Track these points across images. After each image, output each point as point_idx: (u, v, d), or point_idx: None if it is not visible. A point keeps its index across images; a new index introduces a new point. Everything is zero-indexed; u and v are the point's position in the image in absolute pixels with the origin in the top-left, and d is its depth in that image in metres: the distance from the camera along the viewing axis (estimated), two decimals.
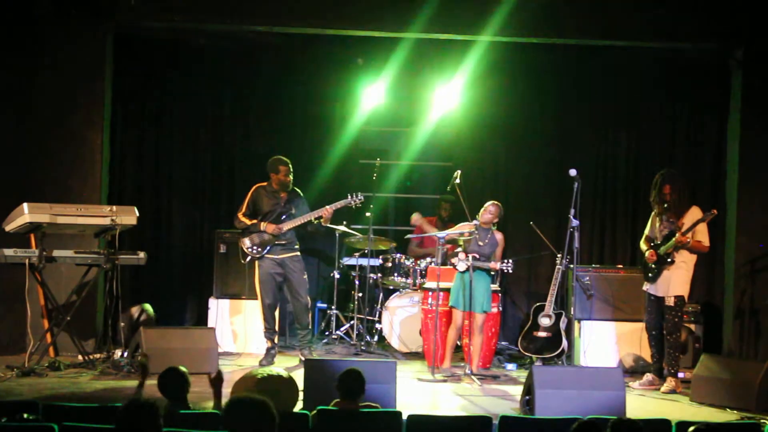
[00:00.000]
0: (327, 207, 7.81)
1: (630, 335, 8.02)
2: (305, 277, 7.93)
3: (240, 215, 7.86)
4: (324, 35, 8.58)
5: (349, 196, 7.98)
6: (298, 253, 7.95)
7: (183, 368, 4.70)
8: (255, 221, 7.81)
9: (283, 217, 7.83)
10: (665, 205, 7.22)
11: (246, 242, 7.83)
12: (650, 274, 7.25)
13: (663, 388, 7.08)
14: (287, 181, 7.85)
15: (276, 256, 7.81)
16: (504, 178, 9.63)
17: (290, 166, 7.87)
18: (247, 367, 7.48)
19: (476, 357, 7.53)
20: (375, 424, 4.69)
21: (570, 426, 3.68)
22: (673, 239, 7.08)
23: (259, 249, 7.79)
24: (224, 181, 9.40)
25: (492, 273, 7.57)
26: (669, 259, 7.11)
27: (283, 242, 7.83)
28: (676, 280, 7.12)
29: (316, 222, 7.88)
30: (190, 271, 9.20)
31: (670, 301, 7.12)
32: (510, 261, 7.51)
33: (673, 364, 7.14)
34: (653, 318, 7.28)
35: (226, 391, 4.84)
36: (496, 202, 7.60)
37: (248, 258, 7.86)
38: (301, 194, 8.05)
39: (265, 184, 7.93)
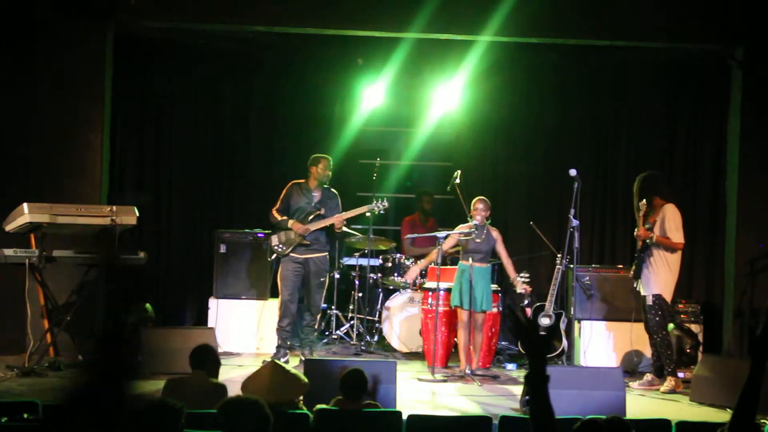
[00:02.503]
0: (338, 215, 7.80)
1: (630, 335, 8.01)
2: (323, 279, 7.90)
3: (273, 210, 7.88)
4: (324, 35, 8.57)
5: (374, 202, 7.99)
6: (324, 254, 7.91)
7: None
8: (285, 218, 7.83)
9: (311, 218, 7.83)
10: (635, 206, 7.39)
11: (274, 240, 7.87)
12: (632, 271, 7.38)
13: (662, 388, 7.08)
14: (326, 175, 7.86)
15: (299, 256, 7.81)
16: (504, 178, 9.62)
17: (331, 162, 7.90)
18: (247, 367, 7.47)
19: (476, 355, 7.54)
20: (375, 424, 4.70)
21: (570, 426, 3.68)
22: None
23: (285, 248, 7.80)
24: (224, 181, 9.40)
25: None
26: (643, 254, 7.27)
27: (308, 243, 7.82)
28: (654, 279, 7.17)
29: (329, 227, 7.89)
30: (190, 271, 9.20)
31: (649, 300, 7.16)
32: (526, 277, 7.81)
33: (668, 362, 7.13)
34: (645, 317, 7.31)
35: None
36: (481, 198, 7.63)
37: (274, 255, 7.91)
38: (337, 195, 8.02)
39: (301, 181, 7.95)
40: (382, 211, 8.07)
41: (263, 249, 8.42)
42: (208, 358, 5.30)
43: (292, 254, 7.81)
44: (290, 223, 7.79)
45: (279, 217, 7.84)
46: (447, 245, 7.63)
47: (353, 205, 8.13)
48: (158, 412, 3.49)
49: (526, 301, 8.04)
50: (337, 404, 4.83)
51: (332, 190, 7.99)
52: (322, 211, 7.84)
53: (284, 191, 7.93)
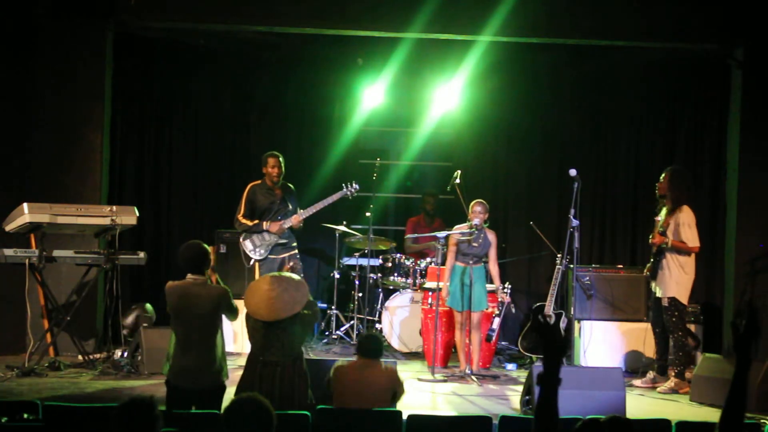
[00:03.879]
0: (295, 216, 7.77)
1: (630, 335, 8.02)
2: (301, 275, 7.89)
3: (240, 217, 7.80)
4: (324, 35, 8.58)
5: (345, 187, 7.95)
6: (296, 252, 7.93)
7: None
8: (256, 221, 7.79)
9: (280, 216, 7.82)
10: (657, 195, 7.35)
11: (248, 245, 7.80)
12: (648, 272, 7.37)
13: (660, 388, 7.08)
14: (273, 174, 7.77)
15: (277, 256, 7.80)
16: (504, 178, 9.63)
17: (280, 159, 7.82)
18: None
19: (476, 355, 7.52)
20: (375, 423, 4.70)
21: (570, 426, 3.68)
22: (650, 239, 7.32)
23: (262, 251, 7.77)
24: (224, 181, 9.40)
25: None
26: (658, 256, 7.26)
27: (284, 241, 7.81)
28: (669, 281, 7.17)
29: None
30: None
31: (665, 302, 7.17)
32: (508, 288, 7.71)
33: (676, 363, 7.13)
34: (655, 316, 7.32)
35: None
36: (480, 201, 7.58)
37: (252, 261, 7.83)
38: (293, 189, 8.00)
39: (258, 182, 7.91)
40: (354, 194, 8.02)
41: None
42: (203, 258, 5.15)
43: (270, 256, 7.79)
44: (266, 224, 7.75)
45: (250, 222, 7.77)
46: (451, 243, 7.59)
47: (352, 207, 8.12)
48: (131, 408, 3.46)
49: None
50: (356, 363, 5.17)
51: (289, 185, 7.97)
52: (290, 208, 7.83)
53: (245, 195, 7.85)
